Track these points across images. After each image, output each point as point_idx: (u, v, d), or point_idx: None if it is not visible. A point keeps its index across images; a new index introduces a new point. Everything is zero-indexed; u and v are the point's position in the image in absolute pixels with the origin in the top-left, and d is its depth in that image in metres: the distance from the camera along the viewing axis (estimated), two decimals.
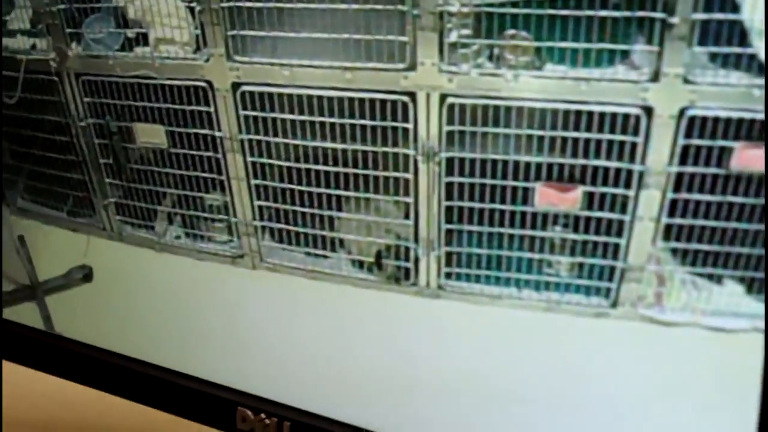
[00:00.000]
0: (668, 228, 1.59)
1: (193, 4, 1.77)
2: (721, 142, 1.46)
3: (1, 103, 2.11)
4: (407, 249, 1.85)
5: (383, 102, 1.69)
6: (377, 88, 1.69)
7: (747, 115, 1.42)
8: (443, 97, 1.63)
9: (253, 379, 2.03)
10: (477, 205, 1.73)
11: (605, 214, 1.63)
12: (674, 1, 1.39)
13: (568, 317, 1.74)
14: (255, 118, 1.84)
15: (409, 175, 1.75)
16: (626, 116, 1.51)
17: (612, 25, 1.47)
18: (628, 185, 1.57)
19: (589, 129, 1.55)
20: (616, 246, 1.65)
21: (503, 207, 1.71)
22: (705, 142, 1.47)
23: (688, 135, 1.47)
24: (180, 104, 1.90)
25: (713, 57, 1.45)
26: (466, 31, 1.60)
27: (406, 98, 1.66)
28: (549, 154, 1.63)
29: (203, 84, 1.84)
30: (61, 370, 2.25)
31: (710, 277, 1.63)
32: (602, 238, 1.66)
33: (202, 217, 2.08)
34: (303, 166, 1.85)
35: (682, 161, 1.51)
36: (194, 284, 2.11)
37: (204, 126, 1.90)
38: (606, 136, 1.55)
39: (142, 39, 1.90)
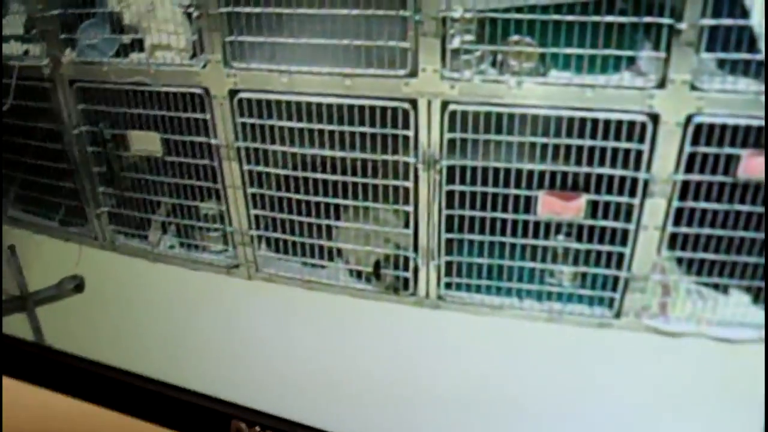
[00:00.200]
0: (674, 237, 1.57)
1: (191, 10, 1.75)
2: (728, 150, 1.45)
3: (1, 106, 2.09)
4: (406, 259, 1.83)
5: (384, 109, 1.67)
6: (378, 95, 1.66)
7: (755, 123, 1.40)
8: (445, 104, 1.61)
9: (248, 392, 2.00)
10: (478, 213, 1.71)
11: (609, 223, 1.61)
12: (682, 7, 1.37)
13: (570, 328, 1.72)
14: (252, 125, 1.82)
15: (409, 184, 1.73)
16: (632, 123, 1.49)
17: (618, 31, 1.45)
18: (633, 194, 1.56)
19: (593, 136, 1.54)
20: (620, 255, 1.63)
21: (505, 216, 1.69)
22: (712, 150, 1.46)
23: (695, 142, 1.46)
24: (176, 111, 1.88)
25: (721, 63, 1.43)
26: (469, 37, 1.58)
27: (407, 105, 1.64)
28: (552, 162, 1.61)
29: (200, 91, 1.81)
30: (52, 383, 2.22)
31: (716, 286, 1.61)
32: (606, 248, 1.64)
33: (197, 227, 2.05)
34: (301, 174, 1.83)
35: (689, 169, 1.49)
36: (188, 295, 2.08)
37: (200, 133, 1.88)
38: (611, 143, 1.53)
39: (138, 45, 1.88)
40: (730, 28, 1.37)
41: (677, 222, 1.54)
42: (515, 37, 1.55)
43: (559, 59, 1.52)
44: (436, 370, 1.82)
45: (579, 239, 1.68)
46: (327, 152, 1.78)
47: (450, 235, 1.75)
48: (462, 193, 1.70)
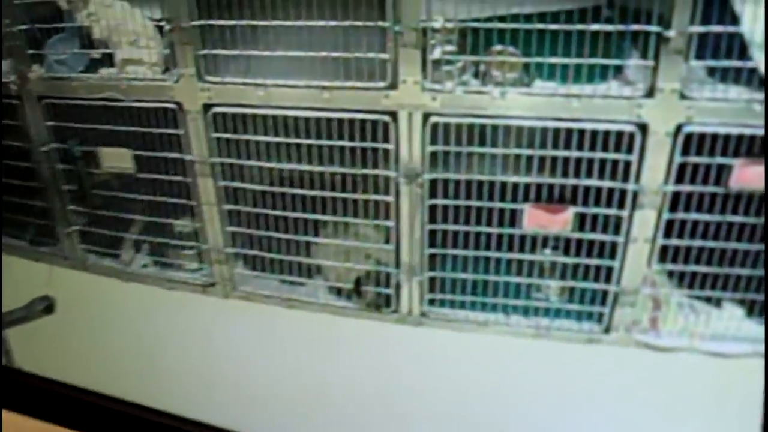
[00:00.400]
0: (664, 249, 1.54)
1: (162, 23, 1.70)
2: (719, 160, 1.42)
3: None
4: (388, 275, 1.79)
5: (363, 122, 1.63)
6: (357, 108, 1.63)
7: (747, 131, 1.38)
8: (426, 117, 1.58)
9: (227, 413, 1.95)
10: (462, 228, 1.67)
11: (598, 236, 1.58)
12: (670, 14, 1.34)
13: (558, 344, 1.69)
14: (227, 140, 1.77)
15: (391, 198, 1.69)
16: (620, 134, 1.46)
17: (604, 39, 1.42)
18: (621, 205, 1.52)
19: (580, 147, 1.51)
20: (609, 269, 1.60)
21: (490, 230, 1.65)
22: (703, 160, 1.43)
23: (685, 152, 1.43)
24: (148, 127, 1.83)
25: (711, 71, 1.41)
26: (450, 48, 1.55)
27: (387, 118, 1.61)
28: (538, 174, 1.57)
29: (173, 106, 1.77)
30: (20, 406, 2.16)
31: (708, 299, 1.59)
32: (594, 261, 1.60)
33: (171, 245, 2.00)
34: (278, 189, 1.79)
35: (679, 180, 1.46)
36: (163, 315, 2.04)
37: (173, 149, 1.83)
38: (598, 154, 1.50)
39: (108, 60, 1.83)
40: (720, 35, 1.35)
41: (668, 234, 1.52)
42: (498, 47, 1.52)
43: (544, 69, 1.49)
44: (419, 389, 1.79)
45: (566, 253, 1.65)
46: (305, 167, 1.74)
47: (433, 250, 1.72)
48: (445, 207, 1.66)
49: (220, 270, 1.95)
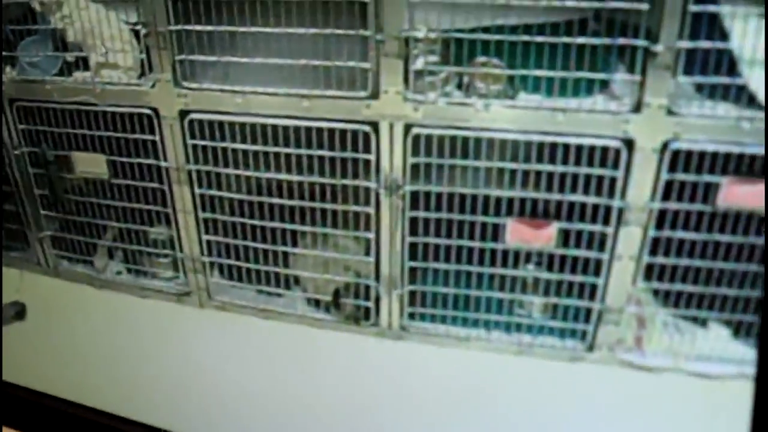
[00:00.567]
0: (650, 267, 1.52)
1: (138, 27, 1.66)
2: (707, 178, 1.39)
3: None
4: (367, 287, 1.76)
5: (343, 132, 1.60)
6: (337, 118, 1.59)
7: (735, 149, 1.35)
8: (408, 127, 1.54)
9: (200, 424, 1.93)
10: (443, 241, 1.64)
11: (582, 252, 1.55)
12: (658, 29, 1.32)
13: (541, 361, 1.66)
14: (204, 147, 1.74)
15: (371, 210, 1.65)
16: (605, 149, 1.43)
17: (591, 52, 1.39)
18: (606, 222, 1.50)
19: (565, 162, 1.48)
20: (593, 286, 1.57)
21: (472, 244, 1.62)
22: (690, 177, 1.40)
23: (672, 169, 1.40)
24: (123, 132, 1.79)
25: (699, 87, 1.38)
26: (433, 58, 1.51)
27: (367, 128, 1.57)
28: (522, 188, 1.54)
29: (148, 111, 1.73)
30: None
31: (694, 319, 1.56)
32: (578, 278, 1.58)
33: (146, 252, 1.96)
34: (256, 198, 1.75)
35: (666, 197, 1.43)
36: (137, 323, 2.01)
37: (148, 155, 1.79)
38: (583, 169, 1.47)
39: (83, 63, 1.79)
40: (709, 50, 1.32)
41: (653, 252, 1.49)
42: (482, 59, 1.49)
43: (529, 81, 1.46)
44: (398, 404, 1.77)
45: (550, 269, 1.62)
46: (284, 176, 1.70)
47: (414, 264, 1.69)
48: (426, 220, 1.63)
49: (196, 279, 1.91)
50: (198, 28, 1.61)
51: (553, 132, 1.45)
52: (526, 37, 1.41)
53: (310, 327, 1.83)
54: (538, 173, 1.51)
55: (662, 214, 1.45)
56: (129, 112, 1.75)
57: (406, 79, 1.51)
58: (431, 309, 1.73)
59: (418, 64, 1.51)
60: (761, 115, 1.31)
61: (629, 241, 1.49)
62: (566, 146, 1.46)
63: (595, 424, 1.62)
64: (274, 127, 1.66)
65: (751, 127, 1.32)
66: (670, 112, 1.37)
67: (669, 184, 1.42)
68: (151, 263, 1.98)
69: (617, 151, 1.42)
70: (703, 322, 1.55)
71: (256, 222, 1.79)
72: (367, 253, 1.73)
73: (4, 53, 1.82)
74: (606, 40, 1.37)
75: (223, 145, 1.72)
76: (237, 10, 1.58)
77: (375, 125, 1.57)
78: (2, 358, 2.05)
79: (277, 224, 1.77)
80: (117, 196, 1.91)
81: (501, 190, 1.56)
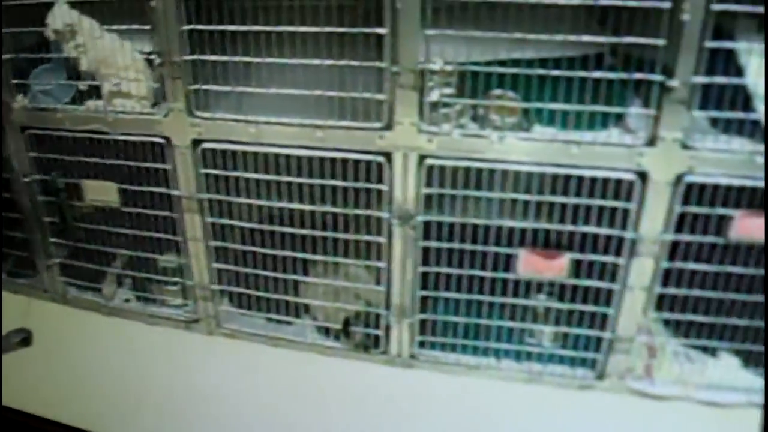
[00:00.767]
0: (661, 298, 1.53)
1: (153, 57, 1.67)
2: (720, 210, 1.41)
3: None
4: (378, 316, 1.77)
5: (357, 162, 1.61)
6: (351, 148, 1.60)
7: (748, 183, 1.37)
8: (422, 158, 1.56)
9: None
10: (455, 270, 1.65)
11: (594, 283, 1.56)
12: (674, 64, 1.34)
13: (550, 389, 1.67)
14: (216, 176, 1.75)
15: (383, 239, 1.66)
16: (619, 181, 1.45)
17: (606, 86, 1.41)
18: (618, 253, 1.51)
19: (578, 194, 1.49)
20: (604, 316, 1.59)
21: (483, 273, 1.63)
22: (703, 210, 1.42)
23: (686, 202, 1.42)
24: (135, 161, 1.79)
25: (714, 122, 1.40)
26: (448, 90, 1.53)
27: (381, 159, 1.58)
28: (535, 219, 1.56)
29: (161, 140, 1.74)
30: None
31: (705, 349, 1.58)
32: (590, 308, 1.59)
33: (155, 280, 1.97)
34: (267, 227, 1.76)
35: (678, 229, 1.46)
36: (144, 350, 2.00)
37: (160, 184, 1.80)
38: (597, 201, 1.49)
39: (95, 92, 1.80)
40: (724, 86, 1.34)
41: (665, 283, 1.51)
42: (498, 91, 1.51)
43: (544, 114, 1.48)
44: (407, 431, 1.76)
45: (561, 299, 1.64)
46: (296, 205, 1.71)
47: (425, 293, 1.70)
48: (438, 250, 1.65)
49: (205, 306, 1.92)
50: (212, 58, 1.63)
51: (568, 164, 1.47)
52: (541, 71, 1.43)
53: (319, 355, 1.84)
54: (552, 204, 1.54)
55: (674, 245, 1.47)
56: (141, 140, 1.76)
57: (420, 111, 1.53)
58: (442, 337, 1.74)
59: (433, 96, 1.53)
60: None
61: (641, 272, 1.51)
62: (580, 178, 1.47)
63: None
64: (288, 157, 1.67)
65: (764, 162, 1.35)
66: (684, 146, 1.39)
67: (682, 217, 1.44)
68: (160, 291, 1.99)
69: (631, 184, 1.44)
70: (713, 352, 1.57)
71: (267, 251, 1.80)
72: (378, 282, 1.74)
73: (16, 81, 1.83)
74: (622, 75, 1.40)
75: (236, 174, 1.73)
76: (252, 40, 1.60)
77: (389, 156, 1.59)
78: (2, 384, 2.05)
79: (288, 253, 1.79)
80: (127, 224, 1.92)
81: (514, 221, 1.58)
